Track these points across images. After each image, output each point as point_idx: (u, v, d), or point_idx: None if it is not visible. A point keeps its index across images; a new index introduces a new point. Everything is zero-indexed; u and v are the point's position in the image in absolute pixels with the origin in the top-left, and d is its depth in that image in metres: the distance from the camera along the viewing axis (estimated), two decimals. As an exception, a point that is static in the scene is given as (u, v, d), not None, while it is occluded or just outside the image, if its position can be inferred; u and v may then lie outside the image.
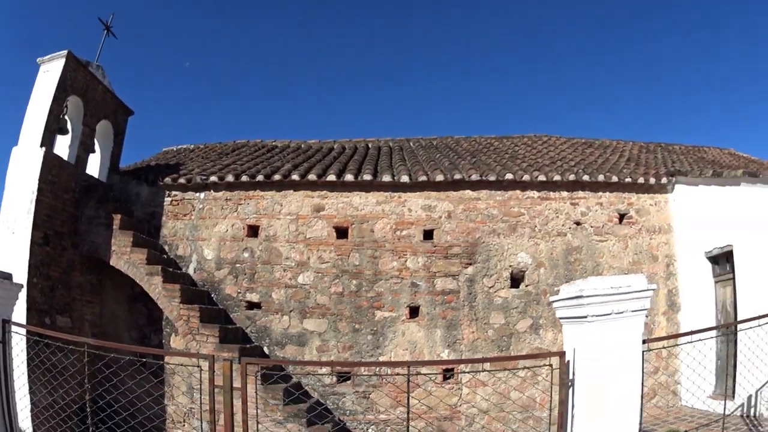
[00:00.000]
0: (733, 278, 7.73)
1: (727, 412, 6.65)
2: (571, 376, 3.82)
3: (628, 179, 7.92)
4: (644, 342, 3.92)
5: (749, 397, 6.40)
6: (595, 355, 3.70)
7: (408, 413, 3.95)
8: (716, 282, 8.04)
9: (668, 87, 30.80)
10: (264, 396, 6.20)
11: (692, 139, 28.28)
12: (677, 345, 7.90)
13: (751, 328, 5.19)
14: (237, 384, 4.00)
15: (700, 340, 5.36)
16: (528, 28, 30.91)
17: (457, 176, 7.27)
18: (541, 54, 31.22)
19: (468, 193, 7.41)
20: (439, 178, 7.23)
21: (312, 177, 7.15)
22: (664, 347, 7.86)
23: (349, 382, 7.09)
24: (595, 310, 3.66)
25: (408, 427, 3.91)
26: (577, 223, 7.73)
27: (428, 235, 7.28)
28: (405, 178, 7.19)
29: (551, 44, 30.92)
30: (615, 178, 7.86)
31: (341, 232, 7.25)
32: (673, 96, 30.61)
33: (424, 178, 7.21)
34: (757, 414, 6.54)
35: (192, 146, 9.53)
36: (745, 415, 6.66)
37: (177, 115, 27.77)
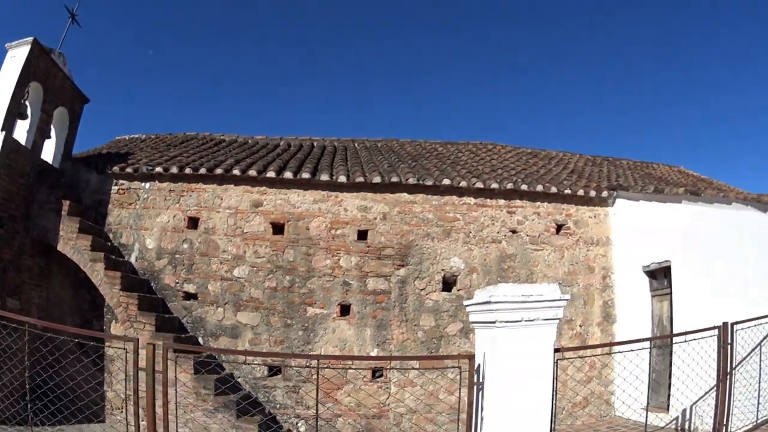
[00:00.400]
0: (670, 293, 7.84)
1: (662, 424, 6.78)
2: (480, 379, 3.94)
3: (568, 191, 8.04)
4: (557, 351, 3.98)
5: (684, 411, 6.51)
6: (505, 360, 3.79)
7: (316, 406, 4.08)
8: (653, 296, 8.14)
9: (629, 103, 31.25)
10: (196, 386, 6.40)
11: (647, 155, 28.58)
12: (610, 354, 8.05)
13: (686, 341, 5.22)
14: (171, 371, 4.20)
15: (632, 350, 5.46)
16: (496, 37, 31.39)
17: (394, 179, 7.43)
18: (503, 64, 31.78)
19: (404, 196, 7.57)
20: (377, 179, 7.40)
21: (252, 173, 7.36)
22: (596, 356, 8.05)
23: (279, 375, 7.27)
24: (505, 316, 3.78)
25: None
26: (513, 231, 7.87)
27: (362, 235, 7.45)
28: (342, 178, 7.37)
29: (512, 54, 31.45)
30: (554, 189, 7.98)
31: (278, 228, 7.45)
32: (632, 112, 31.12)
33: (361, 179, 7.38)
34: (692, 428, 6.63)
35: (144, 136, 9.77)
36: (679, 428, 6.76)
37: (136, 105, 28.19)
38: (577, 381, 7.41)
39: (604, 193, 8.33)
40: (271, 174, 7.35)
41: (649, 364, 7.41)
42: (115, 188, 7.62)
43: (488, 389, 3.86)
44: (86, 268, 7.01)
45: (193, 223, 7.50)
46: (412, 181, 7.44)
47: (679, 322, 7.57)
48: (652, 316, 8.14)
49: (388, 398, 7.30)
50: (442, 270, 7.53)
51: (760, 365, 6.05)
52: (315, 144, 9.33)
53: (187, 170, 7.42)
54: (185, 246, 7.45)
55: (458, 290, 7.57)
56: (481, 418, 3.95)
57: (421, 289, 7.45)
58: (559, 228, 8.14)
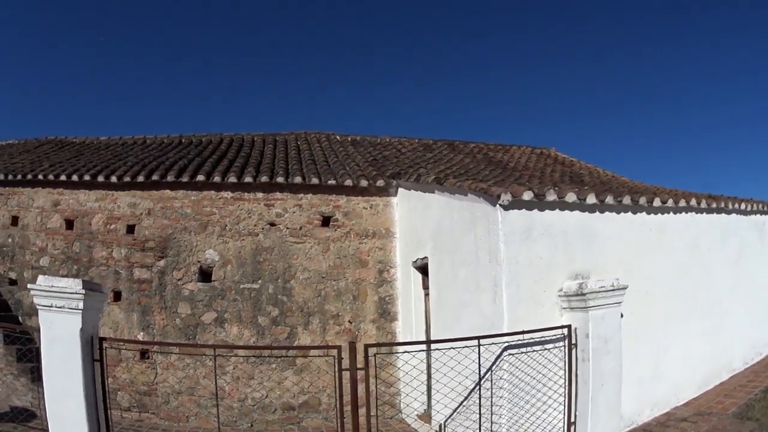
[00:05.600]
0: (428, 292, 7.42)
1: (429, 435, 6.48)
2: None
3: (332, 181, 7.94)
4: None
5: (442, 423, 6.24)
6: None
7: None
8: (425, 294, 7.74)
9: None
10: (4, 353, 7.86)
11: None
12: (393, 354, 7.85)
13: (440, 349, 5.08)
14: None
15: (406, 352, 5.42)
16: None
17: (155, 177, 8.08)
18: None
19: (167, 192, 8.16)
20: (140, 178, 8.11)
21: (51, 177, 8.55)
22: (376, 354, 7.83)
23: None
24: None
25: None
26: (272, 224, 8.02)
27: (131, 229, 8.22)
28: (114, 179, 8.21)
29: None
30: (315, 180, 7.94)
31: (69, 224, 8.55)
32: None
33: (128, 178, 8.15)
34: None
35: (14, 141, 11.41)
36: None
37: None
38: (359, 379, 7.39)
39: (380, 182, 8.05)
40: (63, 177, 8.47)
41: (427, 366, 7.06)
42: (-37, 192, 9.36)
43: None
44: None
45: (14, 220, 8.94)
46: (170, 178, 8.01)
47: (436, 323, 7.18)
48: (424, 314, 7.74)
49: (155, 378, 8.04)
50: (198, 261, 8.01)
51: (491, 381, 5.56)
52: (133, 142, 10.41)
53: (10, 176, 8.86)
54: (9, 240, 8.93)
55: (212, 281, 7.99)
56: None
57: (178, 279, 8.02)
58: (326, 220, 8.08)
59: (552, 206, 5.89)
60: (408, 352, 6.33)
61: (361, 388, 4.48)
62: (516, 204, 5.63)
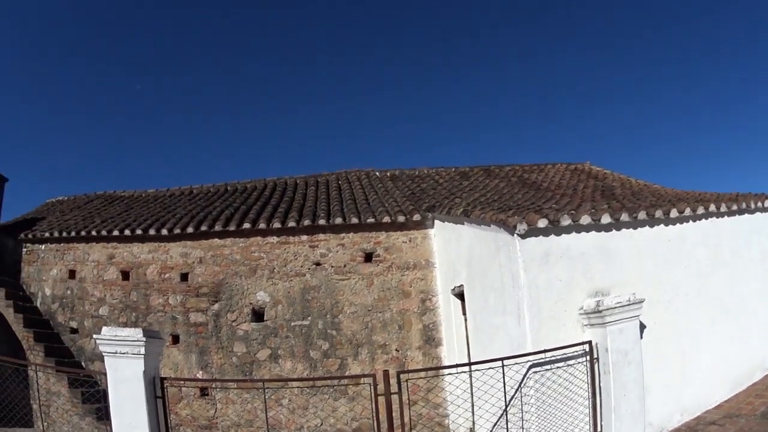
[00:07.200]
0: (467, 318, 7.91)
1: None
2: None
3: (371, 219, 8.46)
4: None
5: None
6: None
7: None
8: (464, 319, 8.23)
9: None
10: (70, 396, 8.45)
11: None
12: (439, 377, 8.35)
13: (478, 370, 5.59)
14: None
15: (449, 374, 5.80)
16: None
17: (204, 228, 8.63)
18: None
19: (216, 241, 8.72)
20: (190, 229, 8.66)
21: (104, 233, 9.13)
22: (419, 378, 8.33)
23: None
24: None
25: None
26: (317, 264, 8.55)
27: (184, 277, 8.79)
28: (165, 232, 8.77)
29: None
30: (355, 220, 8.46)
31: (125, 275, 9.12)
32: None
33: (178, 230, 8.71)
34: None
35: (65, 198, 12.10)
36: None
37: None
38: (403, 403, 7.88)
39: (416, 217, 8.55)
40: (116, 233, 9.04)
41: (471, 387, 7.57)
42: (24, 250, 9.95)
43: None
44: (4, 311, 9.42)
45: (72, 274, 9.52)
46: (218, 227, 8.56)
47: (474, 348, 7.65)
48: (465, 339, 8.23)
49: (215, 412, 8.59)
50: (250, 303, 8.56)
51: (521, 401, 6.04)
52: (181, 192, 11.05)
53: (64, 234, 9.45)
54: (68, 292, 9.51)
55: (265, 320, 8.53)
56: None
57: (233, 321, 8.57)
58: (369, 256, 8.59)
59: (568, 230, 6.36)
60: (451, 374, 6.80)
61: (407, 411, 4.98)
62: (533, 232, 6.12)
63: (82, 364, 9.30)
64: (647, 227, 7.14)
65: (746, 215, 8.25)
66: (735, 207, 8.02)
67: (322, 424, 8.40)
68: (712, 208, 7.71)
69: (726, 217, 7.97)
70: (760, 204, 8.41)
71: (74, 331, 9.45)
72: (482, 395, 5.74)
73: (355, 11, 32.65)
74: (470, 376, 6.91)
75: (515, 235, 6.14)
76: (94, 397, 8.45)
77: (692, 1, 29.89)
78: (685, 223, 7.53)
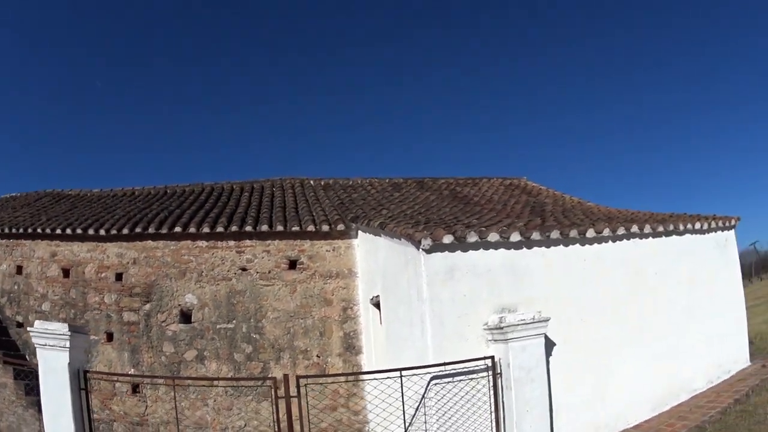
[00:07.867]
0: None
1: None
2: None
3: (296, 228, 8.58)
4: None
5: None
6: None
7: None
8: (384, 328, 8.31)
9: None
10: (15, 388, 8.81)
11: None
12: (358, 385, 8.48)
13: (390, 377, 5.77)
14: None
15: (375, 379, 6.01)
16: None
17: (138, 229, 8.85)
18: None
19: (150, 243, 8.93)
20: (125, 231, 8.91)
21: (48, 231, 9.44)
22: (339, 384, 8.43)
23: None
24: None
25: None
26: (243, 269, 8.70)
27: (119, 277, 9.03)
28: (102, 232, 9.03)
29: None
30: (281, 227, 8.59)
31: (66, 273, 9.42)
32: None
33: (114, 231, 8.96)
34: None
35: (18, 195, 12.44)
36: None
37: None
38: (320, 409, 8.05)
39: (340, 227, 8.65)
40: (58, 231, 9.34)
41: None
42: (-22, 245, 10.36)
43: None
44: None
45: (19, 269, 9.87)
46: (152, 230, 8.78)
47: (386, 357, 7.74)
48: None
49: (146, 409, 8.84)
50: (179, 305, 8.77)
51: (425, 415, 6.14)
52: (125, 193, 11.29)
53: (13, 230, 9.80)
54: (16, 287, 9.87)
55: (193, 322, 8.74)
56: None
57: (162, 321, 8.79)
58: (293, 263, 8.72)
59: (476, 246, 6.43)
60: (372, 380, 6.86)
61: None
62: (438, 247, 6.22)
63: (27, 357, 9.65)
64: (561, 246, 7.15)
65: (674, 237, 8.19)
66: (661, 228, 7.96)
67: (246, 426, 8.58)
68: (634, 229, 7.68)
69: (651, 238, 7.93)
70: (690, 225, 8.34)
71: (20, 325, 9.80)
72: (399, 404, 5.85)
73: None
74: (381, 383, 7.00)
75: (420, 249, 6.24)
76: (36, 389, 8.82)
77: (614, 10, 29.08)
78: (603, 243, 7.53)
